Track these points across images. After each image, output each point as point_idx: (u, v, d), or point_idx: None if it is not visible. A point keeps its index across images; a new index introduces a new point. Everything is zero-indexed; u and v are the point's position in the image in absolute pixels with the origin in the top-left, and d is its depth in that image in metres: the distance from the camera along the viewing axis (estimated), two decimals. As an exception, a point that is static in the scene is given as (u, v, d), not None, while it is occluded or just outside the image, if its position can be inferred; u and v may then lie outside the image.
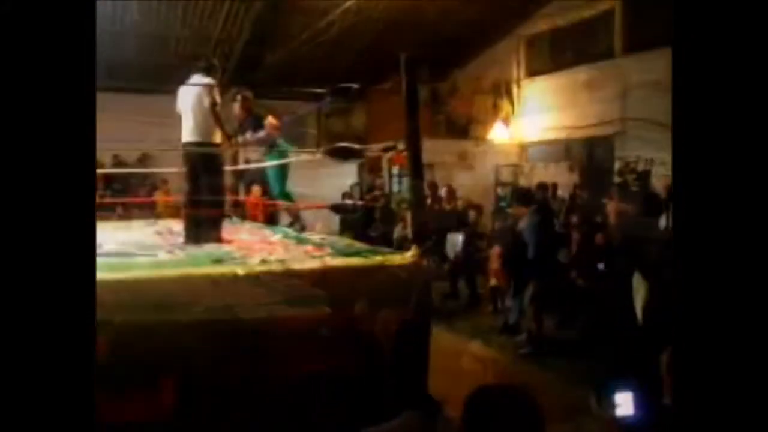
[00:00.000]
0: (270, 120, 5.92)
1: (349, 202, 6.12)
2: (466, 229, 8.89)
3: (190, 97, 4.70)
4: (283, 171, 5.97)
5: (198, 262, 3.44)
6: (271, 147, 6.01)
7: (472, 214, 9.41)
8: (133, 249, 4.07)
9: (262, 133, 5.92)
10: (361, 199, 12.14)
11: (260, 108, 6.13)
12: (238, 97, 6.17)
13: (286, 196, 6.04)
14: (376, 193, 12.01)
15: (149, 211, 10.95)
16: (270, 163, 5.95)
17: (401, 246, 3.47)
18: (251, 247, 4.24)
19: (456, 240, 8.75)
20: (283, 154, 5.99)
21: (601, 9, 12.12)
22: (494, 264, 7.91)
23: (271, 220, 8.37)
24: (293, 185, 6.31)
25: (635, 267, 5.10)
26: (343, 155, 3.88)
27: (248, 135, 6.01)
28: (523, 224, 6.35)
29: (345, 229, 9.86)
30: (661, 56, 10.54)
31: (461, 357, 5.57)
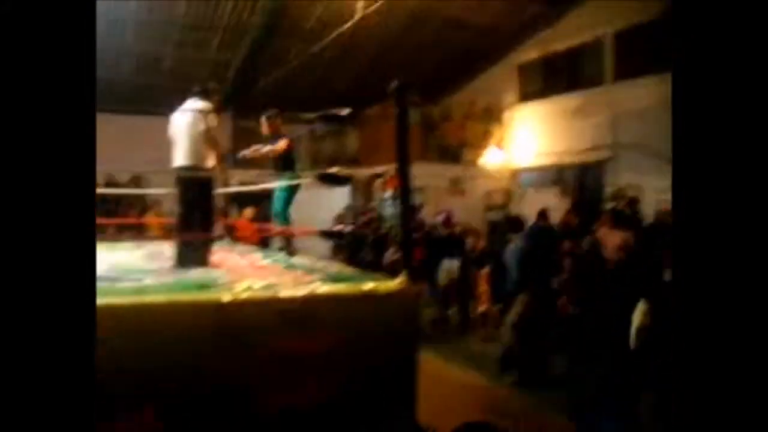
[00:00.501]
0: (284, 140, 6.12)
1: (338, 227, 6.14)
2: (462, 254, 8.88)
3: (184, 121, 4.71)
4: (291, 192, 6.05)
5: (184, 287, 3.42)
6: (285, 161, 6.12)
7: (470, 239, 9.40)
8: (119, 273, 4.05)
9: (271, 146, 6.11)
10: (354, 222, 12.15)
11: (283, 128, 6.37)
12: (265, 117, 6.39)
13: (285, 218, 6.08)
14: (369, 216, 12.01)
15: (141, 233, 10.91)
16: (278, 183, 6.04)
17: (393, 270, 3.49)
18: (240, 272, 4.22)
19: (452, 265, 8.73)
20: (294, 176, 6.12)
21: (593, 37, 12.28)
22: (483, 286, 7.90)
23: (263, 242, 8.37)
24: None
25: (631, 294, 5.09)
26: (333, 181, 3.90)
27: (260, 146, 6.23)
28: (509, 250, 6.38)
29: (337, 252, 9.86)
30: (650, 83, 10.67)
31: (449, 384, 5.55)
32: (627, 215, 8.90)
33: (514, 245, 6.30)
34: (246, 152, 6.34)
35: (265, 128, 6.33)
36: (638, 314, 4.93)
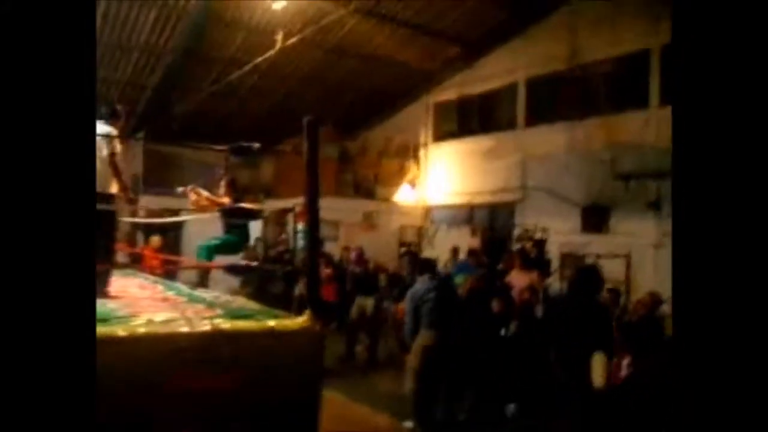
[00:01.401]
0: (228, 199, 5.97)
1: (243, 263, 6.06)
2: (376, 291, 8.85)
3: (86, 144, 4.51)
4: (232, 244, 5.89)
5: (77, 320, 3.25)
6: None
7: (382, 277, 9.41)
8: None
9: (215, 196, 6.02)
10: (265, 254, 11.98)
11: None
12: (227, 181, 6.36)
13: (208, 257, 5.88)
14: (280, 248, 11.88)
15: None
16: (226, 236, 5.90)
17: (301, 305, 3.46)
18: (140, 305, 4.06)
19: (365, 302, 8.67)
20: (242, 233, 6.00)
21: (507, 82, 12.73)
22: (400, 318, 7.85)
23: (169, 272, 8.11)
24: (198, 238, 6.26)
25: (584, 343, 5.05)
26: (239, 215, 3.82)
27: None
28: (409, 293, 6.22)
29: (245, 284, 9.66)
30: (559, 129, 11.16)
31: (353, 424, 5.47)
32: (533, 257, 9.17)
33: (415, 289, 6.14)
34: (187, 191, 6.07)
35: (222, 190, 6.19)
36: (598, 366, 4.93)
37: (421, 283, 6.13)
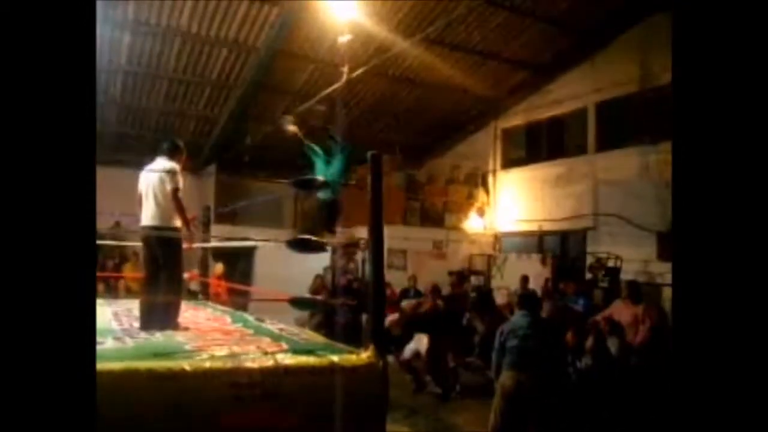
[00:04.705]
0: None
1: (313, 294, 6.05)
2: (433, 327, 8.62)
3: (152, 179, 4.63)
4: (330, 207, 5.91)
5: (144, 354, 3.30)
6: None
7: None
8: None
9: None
10: (333, 282, 12.01)
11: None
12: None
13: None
14: (349, 277, 11.89)
15: (116, 287, 10.72)
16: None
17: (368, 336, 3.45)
18: (206, 337, 4.11)
19: (421, 338, 8.46)
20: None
21: (575, 107, 12.48)
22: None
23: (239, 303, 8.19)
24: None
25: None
26: (303, 247, 3.82)
27: None
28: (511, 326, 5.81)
29: (313, 314, 9.68)
30: (631, 154, 10.84)
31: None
32: (640, 290, 8.61)
33: (506, 324, 5.70)
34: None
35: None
36: None
37: (515, 318, 5.78)
